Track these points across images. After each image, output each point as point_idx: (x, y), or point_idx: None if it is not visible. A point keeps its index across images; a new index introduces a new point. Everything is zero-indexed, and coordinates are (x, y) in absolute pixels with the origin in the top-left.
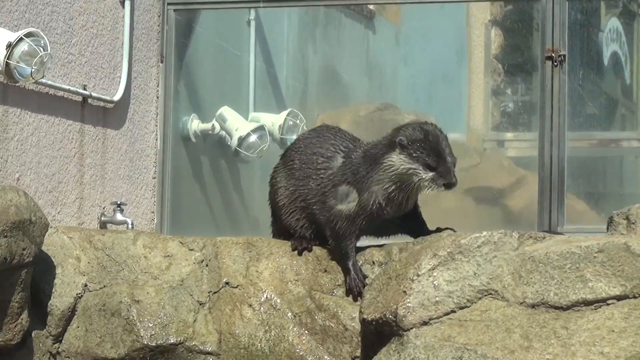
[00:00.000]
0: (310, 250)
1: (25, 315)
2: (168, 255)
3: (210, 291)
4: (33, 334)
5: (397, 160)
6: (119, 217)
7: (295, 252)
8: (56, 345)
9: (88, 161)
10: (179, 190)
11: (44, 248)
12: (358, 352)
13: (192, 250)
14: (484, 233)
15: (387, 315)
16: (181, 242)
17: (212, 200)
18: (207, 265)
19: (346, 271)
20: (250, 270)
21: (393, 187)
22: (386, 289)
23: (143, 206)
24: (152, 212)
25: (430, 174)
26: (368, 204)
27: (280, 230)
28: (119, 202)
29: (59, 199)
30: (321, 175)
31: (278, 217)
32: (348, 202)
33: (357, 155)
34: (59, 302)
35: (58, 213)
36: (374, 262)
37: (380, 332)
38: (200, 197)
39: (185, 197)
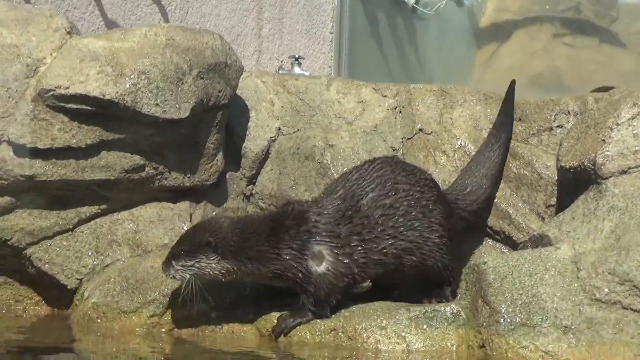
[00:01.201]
0: None
1: (220, 156)
2: (361, 101)
3: (404, 137)
4: (227, 176)
5: None
6: (297, 70)
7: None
8: (250, 187)
9: (266, 15)
10: (356, 45)
11: (237, 92)
12: (552, 201)
13: (385, 96)
14: None
15: (585, 163)
16: (374, 89)
17: (388, 56)
18: (400, 112)
19: None
20: (444, 117)
21: None
22: (584, 138)
23: (320, 60)
24: (329, 67)
25: None
26: None
27: None
28: (296, 56)
29: (237, 51)
30: None
31: None
32: None
33: None
34: (252, 145)
35: None
36: (569, 112)
37: (577, 180)
38: (377, 53)
39: (362, 53)
